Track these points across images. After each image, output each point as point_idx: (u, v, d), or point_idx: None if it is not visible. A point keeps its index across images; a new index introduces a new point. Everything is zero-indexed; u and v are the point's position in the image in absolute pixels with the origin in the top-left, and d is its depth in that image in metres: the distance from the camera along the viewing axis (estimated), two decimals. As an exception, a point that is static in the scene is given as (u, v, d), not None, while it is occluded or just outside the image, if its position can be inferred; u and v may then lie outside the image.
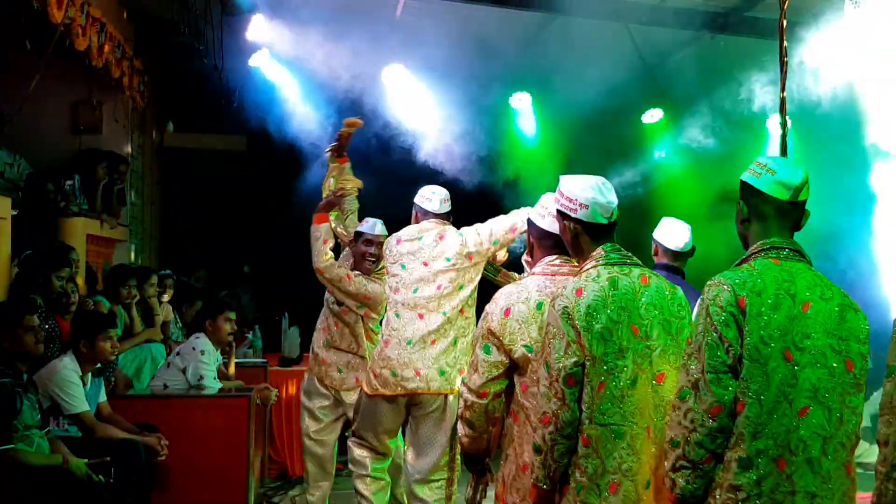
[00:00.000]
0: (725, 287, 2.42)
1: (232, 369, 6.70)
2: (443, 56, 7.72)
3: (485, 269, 4.83)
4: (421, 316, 4.65)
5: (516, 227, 4.61)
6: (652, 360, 2.75)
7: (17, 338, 4.39)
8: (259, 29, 8.08)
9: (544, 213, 3.16)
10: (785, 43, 4.92)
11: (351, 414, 5.28)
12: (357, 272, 5.34)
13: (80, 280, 6.44)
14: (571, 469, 2.73)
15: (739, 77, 7.54)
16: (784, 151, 4.91)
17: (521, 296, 3.04)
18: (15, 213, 5.98)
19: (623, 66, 8.52)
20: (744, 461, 2.35)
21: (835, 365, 2.40)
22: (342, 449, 5.50)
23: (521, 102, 9.70)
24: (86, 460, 4.43)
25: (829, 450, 2.38)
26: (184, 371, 5.88)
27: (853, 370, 2.43)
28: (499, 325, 3.01)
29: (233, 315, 6.19)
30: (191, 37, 7.48)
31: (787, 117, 4.91)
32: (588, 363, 2.69)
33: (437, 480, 4.73)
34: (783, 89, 4.87)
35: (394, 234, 4.93)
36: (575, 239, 2.93)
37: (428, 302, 4.64)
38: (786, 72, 4.93)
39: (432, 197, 4.89)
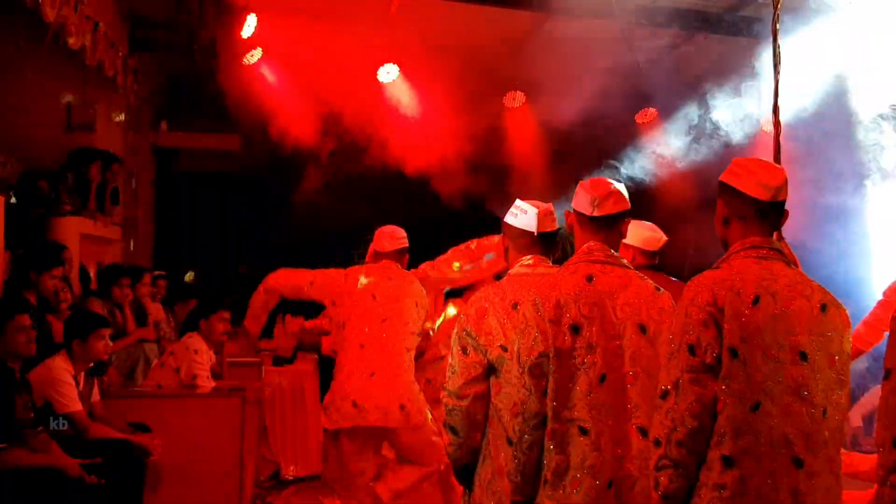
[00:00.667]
0: (704, 287, 2.44)
1: (225, 369, 6.69)
2: (436, 55, 7.73)
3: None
4: None
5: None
6: (624, 360, 2.74)
7: (9, 337, 4.38)
8: (253, 27, 8.07)
9: (517, 213, 3.17)
10: (779, 43, 4.93)
11: None
12: None
13: (74, 279, 6.43)
14: (542, 464, 2.74)
15: (732, 77, 7.54)
16: (777, 152, 4.92)
17: (496, 296, 3.02)
18: (8, 211, 5.96)
19: (616, 65, 8.53)
20: (727, 459, 2.36)
21: (817, 362, 2.41)
22: None
23: (514, 101, 9.70)
24: (78, 460, 4.42)
25: (812, 446, 2.39)
26: (177, 370, 5.87)
27: (836, 366, 2.44)
28: (475, 325, 2.99)
29: (227, 314, 6.18)
30: (185, 35, 7.47)
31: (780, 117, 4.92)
32: (553, 355, 2.70)
33: None
34: (776, 94, 4.87)
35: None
36: (573, 231, 2.97)
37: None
38: (779, 72, 4.93)
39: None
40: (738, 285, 2.42)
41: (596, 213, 2.89)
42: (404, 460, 4.95)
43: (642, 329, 2.77)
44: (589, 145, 9.36)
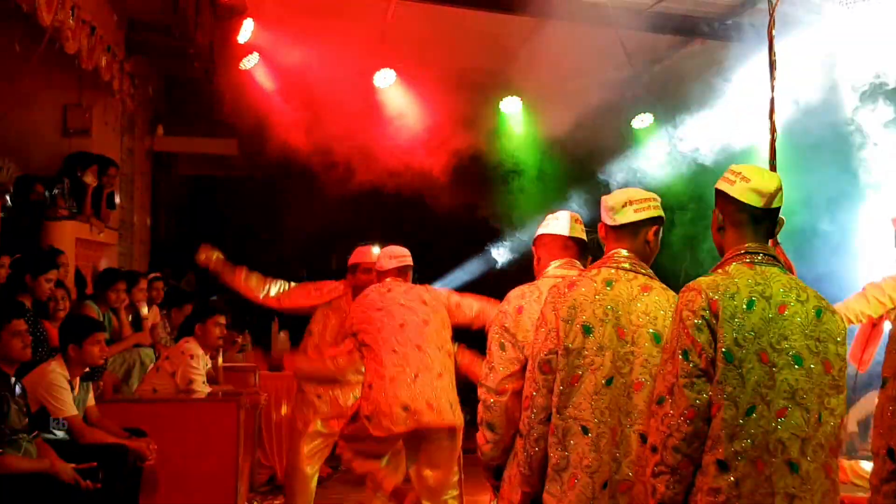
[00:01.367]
0: (698, 292, 2.45)
1: (221, 374, 6.68)
2: (432, 60, 7.74)
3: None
4: None
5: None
6: (633, 366, 2.78)
7: (4, 342, 4.37)
8: (249, 32, 8.08)
9: (549, 222, 3.37)
10: (774, 48, 4.95)
11: None
12: None
13: (70, 284, 6.42)
14: (548, 458, 2.81)
15: (728, 82, 7.57)
16: (773, 157, 4.93)
17: (532, 295, 3.16)
18: (3, 215, 5.96)
19: (613, 71, 8.55)
20: (722, 464, 2.37)
21: (812, 366, 2.42)
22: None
23: (512, 107, 9.69)
24: (73, 465, 4.41)
25: (807, 451, 2.39)
26: (173, 375, 5.87)
27: (832, 371, 2.44)
28: (513, 322, 3.11)
29: (223, 319, 6.18)
30: (181, 40, 7.47)
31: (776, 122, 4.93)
32: (561, 353, 2.76)
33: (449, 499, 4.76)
34: (772, 101, 4.89)
35: None
36: (604, 240, 3.05)
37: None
38: (775, 77, 4.95)
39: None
40: (732, 289, 2.43)
41: (618, 222, 2.93)
42: (432, 466, 4.84)
43: (656, 338, 2.80)
44: (583, 152, 9.38)
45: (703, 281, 2.49)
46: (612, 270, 2.88)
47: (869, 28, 6.15)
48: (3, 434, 4.18)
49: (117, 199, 8.66)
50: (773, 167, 4.79)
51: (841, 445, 2.49)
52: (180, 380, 5.83)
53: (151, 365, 6.25)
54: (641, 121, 9.79)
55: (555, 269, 3.25)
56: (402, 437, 4.64)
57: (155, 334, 6.96)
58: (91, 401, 5.15)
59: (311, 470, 5.70)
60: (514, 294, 3.21)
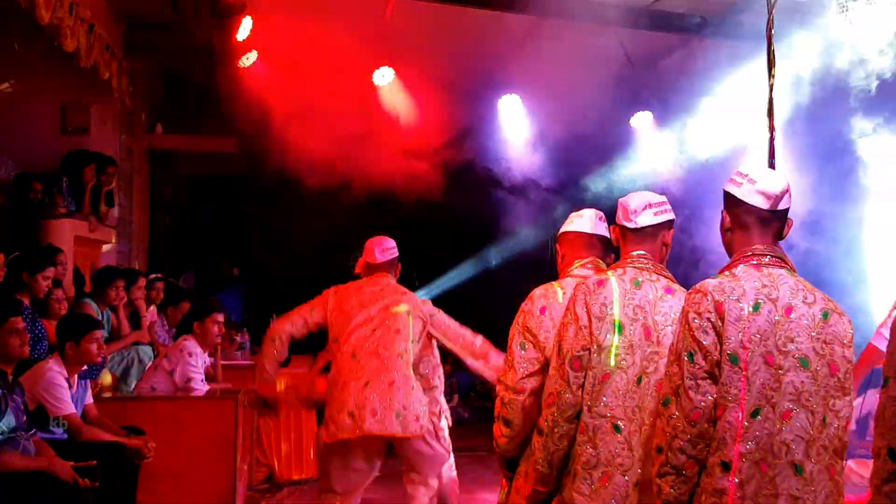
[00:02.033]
0: (704, 294, 2.46)
1: (220, 372, 6.68)
2: (431, 58, 7.74)
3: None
4: None
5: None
6: (658, 366, 2.80)
7: (2, 340, 4.36)
8: (248, 30, 8.07)
9: (573, 219, 3.35)
10: (773, 47, 4.95)
11: None
12: None
13: (68, 282, 6.42)
14: (572, 456, 2.81)
15: (726, 81, 7.57)
16: (772, 155, 4.93)
17: (556, 295, 3.16)
18: (2, 214, 5.96)
19: (611, 69, 8.54)
20: (726, 465, 2.38)
21: (818, 369, 2.42)
22: None
23: (510, 105, 9.69)
24: (72, 463, 4.41)
25: (812, 453, 2.40)
26: (171, 373, 5.86)
27: (837, 373, 2.44)
28: (535, 322, 3.12)
29: (221, 317, 6.17)
30: (180, 38, 7.47)
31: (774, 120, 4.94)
32: (594, 350, 2.78)
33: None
34: (771, 97, 4.89)
35: None
36: (618, 242, 3.07)
37: None
38: (773, 76, 4.95)
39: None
40: (738, 291, 2.44)
41: (639, 225, 2.95)
42: (409, 471, 4.92)
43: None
44: (583, 151, 9.37)
45: (709, 283, 2.50)
46: (638, 270, 2.90)
47: (867, 28, 6.15)
48: (1, 432, 4.17)
49: (116, 198, 8.66)
50: (771, 167, 4.80)
51: (846, 447, 2.49)
52: (179, 378, 5.81)
53: (150, 363, 6.24)
54: (639, 119, 9.79)
55: (579, 270, 3.25)
56: (349, 443, 4.66)
57: (153, 332, 6.96)
58: (89, 399, 5.14)
59: None
60: (538, 293, 3.20)
